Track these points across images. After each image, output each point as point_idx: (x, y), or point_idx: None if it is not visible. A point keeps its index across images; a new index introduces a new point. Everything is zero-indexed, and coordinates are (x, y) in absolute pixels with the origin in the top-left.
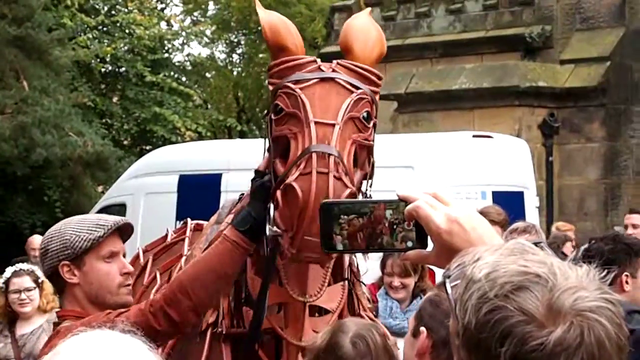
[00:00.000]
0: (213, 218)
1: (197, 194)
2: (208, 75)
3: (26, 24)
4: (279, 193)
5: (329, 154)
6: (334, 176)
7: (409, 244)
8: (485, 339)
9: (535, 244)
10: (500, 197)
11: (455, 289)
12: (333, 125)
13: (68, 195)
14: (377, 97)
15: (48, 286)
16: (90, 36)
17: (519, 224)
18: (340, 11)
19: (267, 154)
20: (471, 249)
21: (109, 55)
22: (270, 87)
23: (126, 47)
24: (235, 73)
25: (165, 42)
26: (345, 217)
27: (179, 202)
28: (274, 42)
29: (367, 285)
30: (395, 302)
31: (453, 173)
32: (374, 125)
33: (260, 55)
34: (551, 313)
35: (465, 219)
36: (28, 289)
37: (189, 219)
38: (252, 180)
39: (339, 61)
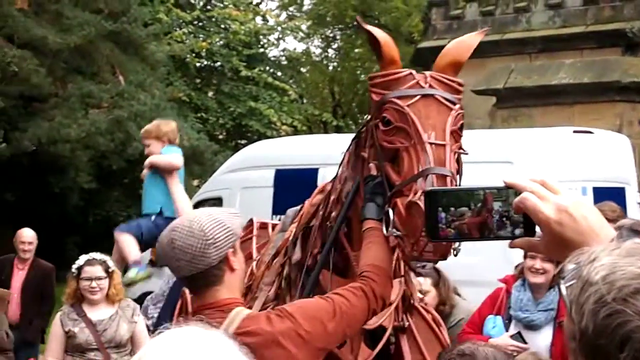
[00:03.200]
0: (278, 226)
1: (293, 189)
2: (303, 70)
3: (122, 19)
4: (399, 202)
5: (446, 175)
6: None
7: (517, 232)
8: (604, 344)
9: None
10: (601, 193)
11: (570, 289)
12: (444, 145)
13: None
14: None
15: (117, 276)
16: (186, 31)
17: (625, 221)
18: (438, 6)
19: (372, 162)
20: (586, 248)
21: (204, 50)
22: (375, 97)
23: (221, 42)
24: (330, 68)
25: (261, 37)
26: (453, 207)
27: (275, 196)
28: (389, 56)
29: (505, 277)
30: (528, 295)
31: (553, 168)
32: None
33: (356, 50)
34: None
35: (575, 208)
36: (99, 278)
37: (254, 218)
38: (366, 181)
39: (431, 74)
